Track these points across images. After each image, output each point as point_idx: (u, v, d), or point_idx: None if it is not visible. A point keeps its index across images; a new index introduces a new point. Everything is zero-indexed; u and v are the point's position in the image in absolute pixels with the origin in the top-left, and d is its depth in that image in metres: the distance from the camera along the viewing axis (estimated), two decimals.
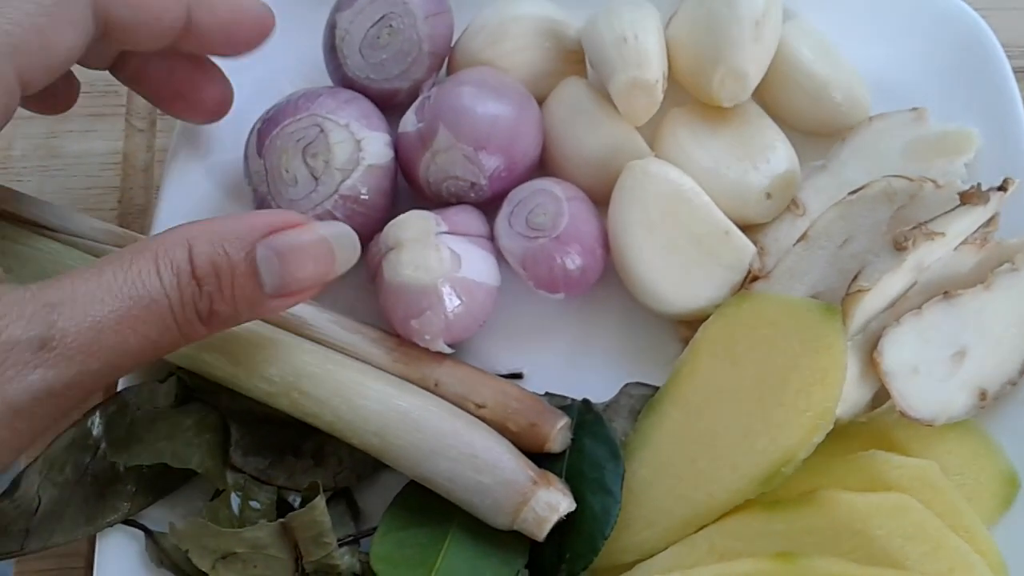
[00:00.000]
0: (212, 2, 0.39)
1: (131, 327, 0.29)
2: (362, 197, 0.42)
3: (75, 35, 0.34)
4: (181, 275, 0.30)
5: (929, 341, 0.40)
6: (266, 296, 0.32)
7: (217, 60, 0.44)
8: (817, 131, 0.46)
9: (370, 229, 0.42)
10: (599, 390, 0.43)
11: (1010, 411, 0.42)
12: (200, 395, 0.41)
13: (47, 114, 0.43)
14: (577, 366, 0.44)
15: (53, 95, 0.41)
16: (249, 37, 0.41)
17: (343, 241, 0.34)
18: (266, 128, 0.42)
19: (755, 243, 0.44)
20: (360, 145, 0.42)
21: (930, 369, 0.40)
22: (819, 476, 0.40)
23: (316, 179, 0.41)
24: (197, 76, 0.43)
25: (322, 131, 0.41)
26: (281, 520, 0.38)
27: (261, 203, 0.43)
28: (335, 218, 0.41)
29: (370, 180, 0.42)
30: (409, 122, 0.43)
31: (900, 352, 0.40)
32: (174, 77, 0.42)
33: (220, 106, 0.44)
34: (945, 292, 0.40)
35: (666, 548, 0.39)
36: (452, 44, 0.46)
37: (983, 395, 0.41)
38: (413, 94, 0.44)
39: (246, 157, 0.43)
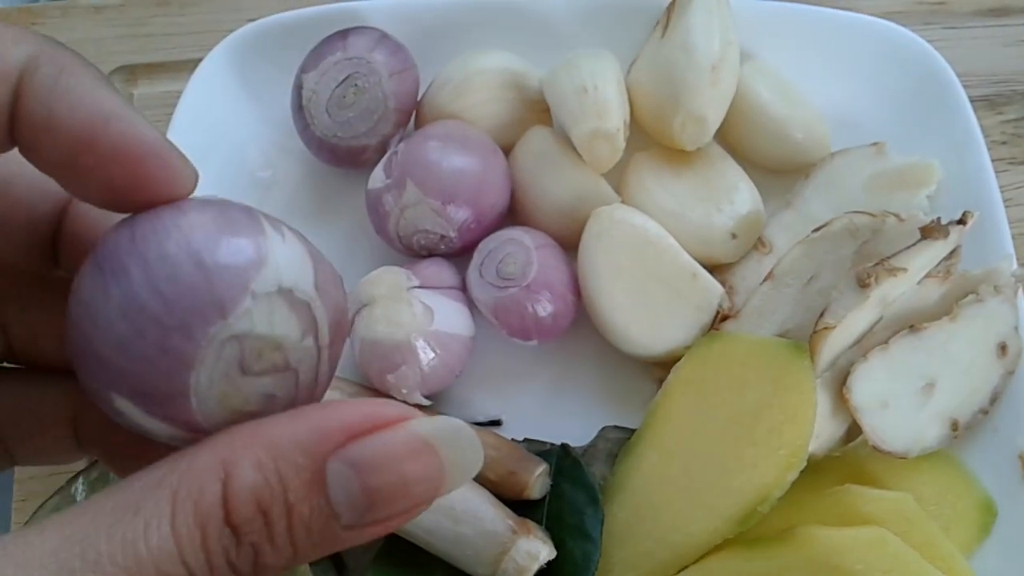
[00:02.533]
0: (54, 124, 0.21)
1: None
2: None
3: None
4: (209, 526, 0.20)
5: (897, 375, 0.41)
6: (342, 532, 0.21)
7: (180, 124, 0.44)
8: (780, 169, 0.47)
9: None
10: (577, 433, 0.43)
11: (983, 440, 0.42)
12: None
13: None
14: (554, 411, 0.44)
15: None
16: (129, 188, 0.24)
17: (456, 444, 0.22)
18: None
19: (724, 282, 0.44)
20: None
21: (900, 402, 0.41)
22: (796, 512, 0.40)
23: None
24: None
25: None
26: None
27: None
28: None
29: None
30: (378, 178, 0.44)
31: (869, 387, 0.40)
32: None
33: None
34: (911, 326, 0.41)
35: None
36: (418, 98, 0.47)
37: (955, 425, 0.41)
38: (381, 150, 0.45)
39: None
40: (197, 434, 0.20)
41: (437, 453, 0.22)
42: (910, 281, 0.40)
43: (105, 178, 0.21)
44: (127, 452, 0.26)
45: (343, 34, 0.45)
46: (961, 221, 0.40)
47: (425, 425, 0.22)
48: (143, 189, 0.21)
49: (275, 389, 0.21)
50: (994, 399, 0.42)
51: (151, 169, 0.21)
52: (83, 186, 0.22)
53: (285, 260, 0.21)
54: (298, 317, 0.21)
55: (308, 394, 0.22)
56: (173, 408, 0.20)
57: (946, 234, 0.39)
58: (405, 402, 0.41)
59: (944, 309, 0.42)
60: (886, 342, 0.40)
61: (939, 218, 0.40)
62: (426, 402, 0.42)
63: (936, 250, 0.40)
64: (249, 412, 0.21)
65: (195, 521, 0.19)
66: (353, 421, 0.21)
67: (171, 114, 0.47)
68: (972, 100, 0.48)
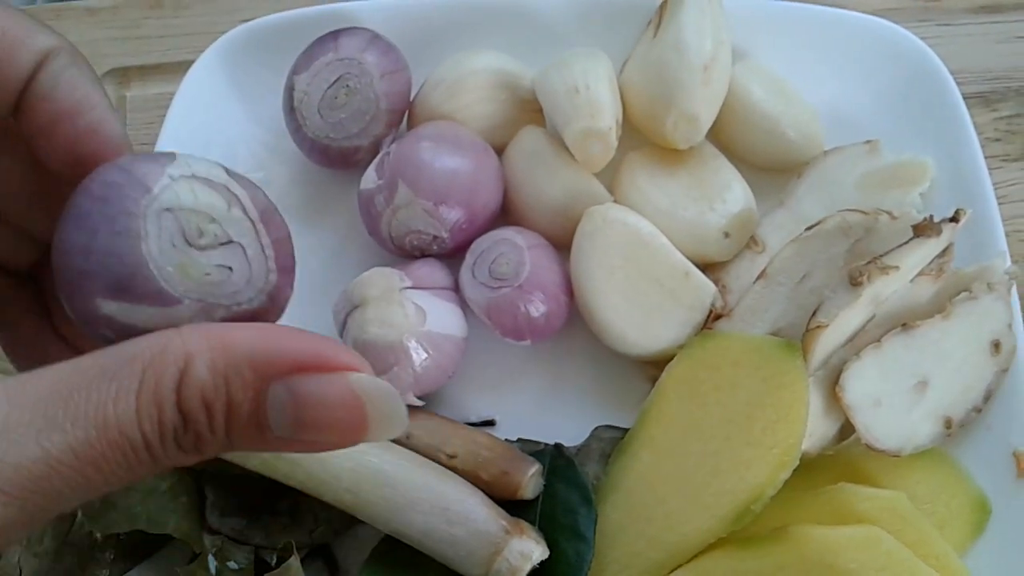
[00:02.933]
0: (54, 96, 0.28)
1: (92, 463, 0.23)
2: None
3: None
4: (164, 406, 0.24)
5: (890, 373, 0.41)
6: (272, 439, 0.25)
7: (172, 126, 0.44)
8: (773, 167, 0.47)
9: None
10: (571, 433, 0.43)
11: (977, 437, 0.42)
12: None
13: None
14: (548, 410, 0.44)
15: None
16: (83, 158, 0.29)
17: (383, 405, 0.26)
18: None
19: (717, 281, 0.44)
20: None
21: (892, 400, 0.41)
22: (789, 511, 0.40)
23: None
24: None
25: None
26: None
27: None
28: None
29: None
30: (370, 179, 0.44)
31: (862, 385, 0.40)
32: None
33: None
34: (904, 324, 0.41)
35: None
36: (411, 99, 0.47)
37: (948, 423, 0.41)
38: (373, 151, 0.45)
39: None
40: (179, 315, 0.25)
41: (364, 409, 0.25)
42: (903, 279, 0.40)
43: (72, 150, 0.28)
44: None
45: (334, 35, 0.45)
46: (954, 219, 0.40)
47: (362, 382, 0.25)
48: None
49: (227, 261, 0.25)
50: (988, 397, 0.42)
51: (109, 155, 0.28)
52: (52, 149, 0.28)
53: (196, 161, 0.26)
54: (218, 193, 0.25)
55: (263, 280, 0.26)
56: (142, 285, 0.24)
57: (939, 232, 0.39)
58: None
59: (937, 307, 0.41)
60: (879, 340, 0.40)
61: (931, 216, 0.40)
62: (419, 403, 0.42)
63: (929, 248, 0.40)
64: (215, 282, 0.25)
65: (154, 399, 0.23)
66: (304, 357, 0.24)
67: (164, 116, 0.47)
68: (966, 97, 0.48)
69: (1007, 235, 0.47)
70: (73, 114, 0.28)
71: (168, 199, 0.24)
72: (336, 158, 0.45)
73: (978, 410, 0.42)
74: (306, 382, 0.25)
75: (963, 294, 0.42)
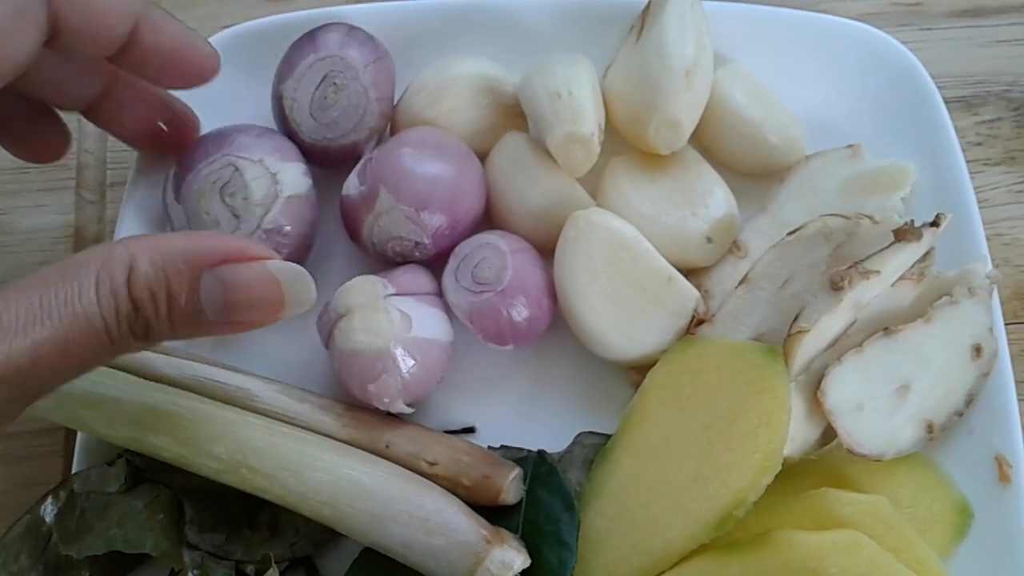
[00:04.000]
0: (161, 26, 0.39)
1: (67, 349, 0.29)
2: (286, 229, 0.43)
3: (34, 35, 0.35)
4: (119, 296, 0.30)
5: (872, 377, 0.41)
6: (207, 322, 0.32)
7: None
8: (756, 172, 0.47)
9: (297, 259, 0.43)
10: (554, 439, 0.43)
11: (959, 441, 0.42)
12: (151, 475, 0.41)
13: (38, 161, 0.45)
14: (531, 416, 0.44)
15: (37, 134, 0.43)
16: (188, 72, 0.42)
17: (295, 284, 0.33)
18: (180, 174, 0.43)
19: (699, 286, 0.44)
20: (276, 178, 0.43)
21: (875, 405, 0.41)
22: (772, 516, 0.40)
23: (237, 217, 0.42)
24: (39, 120, 0.43)
25: (237, 170, 0.42)
26: None
27: None
28: None
29: (291, 211, 0.43)
30: (352, 185, 0.43)
31: (843, 390, 0.40)
32: (15, 116, 0.43)
33: (51, 151, 0.44)
34: (885, 328, 0.41)
35: None
36: (395, 96, 0.46)
37: (930, 427, 0.41)
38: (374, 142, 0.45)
39: (165, 204, 0.44)
40: None
41: (280, 286, 0.33)
42: (884, 284, 0.40)
43: (178, 64, 0.41)
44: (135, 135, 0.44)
45: (310, 36, 0.45)
46: (934, 223, 0.40)
47: (277, 266, 0.33)
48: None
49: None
50: (969, 401, 0.42)
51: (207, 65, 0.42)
52: (165, 66, 0.41)
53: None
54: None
55: None
56: None
57: (919, 236, 0.39)
58: (388, 412, 0.41)
59: (919, 311, 0.42)
60: (861, 345, 0.40)
61: (912, 221, 0.40)
62: (409, 410, 0.42)
63: (909, 252, 0.40)
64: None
65: (110, 292, 0.30)
66: (227, 251, 0.32)
67: None
68: (947, 101, 0.48)
69: (989, 239, 0.47)
70: (179, 41, 0.40)
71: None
72: (338, 157, 0.45)
73: (960, 414, 0.42)
74: (231, 270, 0.32)
75: (944, 298, 0.42)
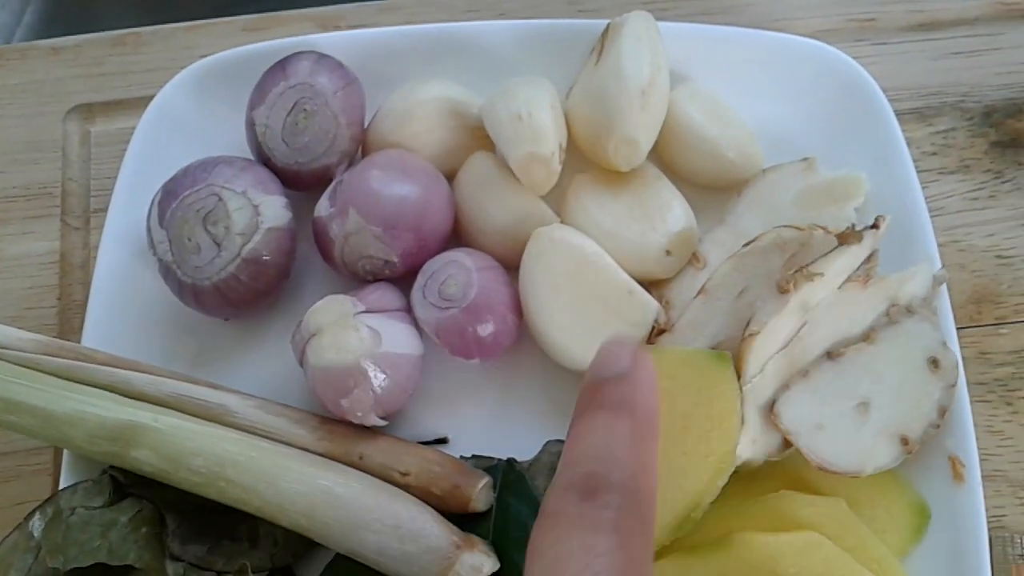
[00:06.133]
0: None
1: None
2: (264, 258, 0.44)
3: None
4: None
5: (825, 399, 0.41)
6: None
7: (133, 158, 0.46)
8: (714, 186, 0.48)
9: (273, 288, 0.45)
10: (524, 448, 0.44)
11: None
12: (134, 490, 0.42)
13: None
14: (501, 426, 0.46)
15: None
16: None
17: None
18: (166, 200, 0.45)
19: (660, 297, 0.46)
20: (258, 210, 0.44)
21: (835, 423, 0.41)
22: (733, 519, 0.41)
23: (218, 245, 0.43)
24: None
25: (220, 199, 0.44)
26: None
27: (166, 272, 0.45)
28: (239, 280, 0.44)
29: (271, 242, 0.44)
30: (323, 207, 0.45)
31: (797, 412, 0.41)
32: None
33: None
34: (828, 353, 0.42)
35: None
36: (364, 120, 0.48)
37: (904, 440, 0.41)
38: (345, 165, 0.47)
39: (148, 228, 0.45)
40: None
41: None
42: (829, 285, 0.42)
43: None
44: None
45: (281, 65, 0.46)
46: (874, 226, 0.42)
47: None
48: None
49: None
50: (942, 412, 0.42)
51: None
52: None
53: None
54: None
55: None
56: None
57: (860, 239, 0.41)
58: (362, 425, 0.43)
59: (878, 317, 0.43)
60: (806, 373, 0.42)
61: (853, 225, 0.41)
62: (382, 423, 0.43)
63: (852, 255, 0.41)
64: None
65: None
66: None
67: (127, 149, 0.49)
68: (902, 113, 0.50)
69: (945, 245, 0.49)
70: None
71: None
72: (310, 180, 0.47)
73: (936, 426, 0.42)
74: None
75: (883, 319, 0.43)
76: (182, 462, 0.40)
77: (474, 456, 0.44)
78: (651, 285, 0.46)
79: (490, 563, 0.40)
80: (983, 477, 0.42)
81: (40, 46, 0.57)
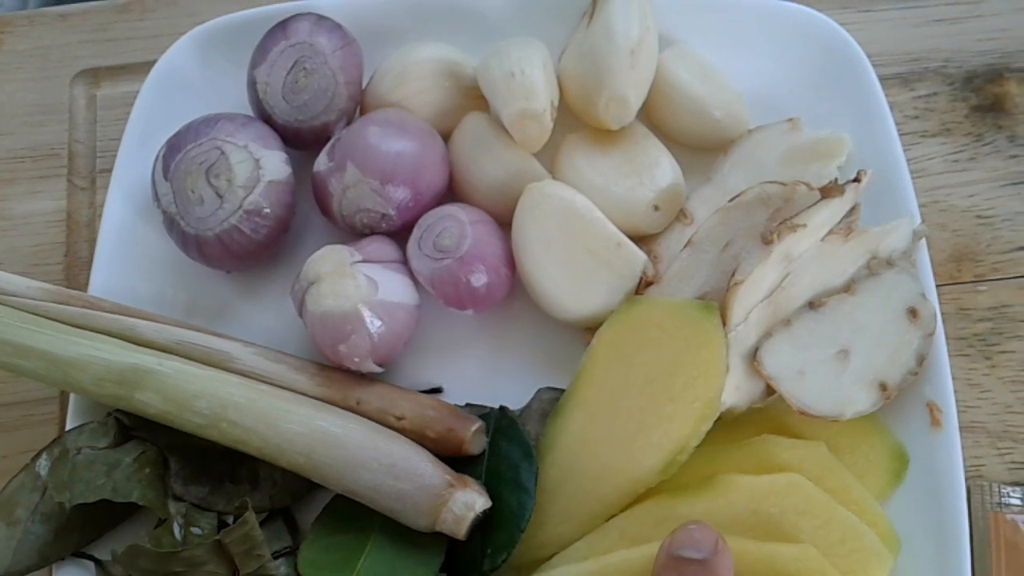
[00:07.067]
0: None
1: None
2: (265, 211, 0.46)
3: None
4: None
5: (807, 347, 0.43)
6: None
7: (138, 120, 0.48)
8: (702, 146, 0.50)
9: (274, 240, 0.47)
10: (516, 397, 0.46)
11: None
12: (138, 433, 0.44)
13: None
14: (494, 377, 0.47)
15: None
16: None
17: None
18: (170, 154, 0.46)
19: (649, 252, 0.47)
20: (259, 163, 0.46)
21: (816, 369, 0.43)
22: (717, 463, 0.43)
23: (221, 197, 0.45)
24: None
25: (223, 153, 0.45)
26: (216, 538, 0.41)
27: (170, 223, 0.46)
28: (241, 232, 0.45)
29: (271, 195, 0.46)
30: (322, 162, 0.47)
31: (779, 359, 0.43)
32: None
33: None
34: (810, 303, 0.43)
35: (581, 539, 0.42)
36: (362, 80, 0.49)
37: (884, 387, 0.43)
38: (344, 124, 0.48)
39: (153, 182, 0.47)
40: None
41: None
42: (811, 236, 0.43)
43: None
44: None
45: (282, 25, 0.48)
46: (856, 179, 0.43)
47: None
48: None
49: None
50: (921, 360, 0.44)
51: None
52: None
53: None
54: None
55: None
56: None
57: (842, 192, 0.42)
58: (358, 371, 0.44)
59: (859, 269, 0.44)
60: (788, 320, 0.43)
61: (836, 179, 0.43)
62: (378, 369, 0.44)
63: (834, 207, 0.43)
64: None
65: None
66: None
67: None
68: (886, 78, 0.51)
69: (927, 206, 0.51)
70: None
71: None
72: (310, 138, 0.48)
73: (914, 373, 0.43)
74: None
75: (863, 272, 0.44)
76: (185, 404, 0.42)
77: (468, 404, 0.46)
78: (640, 240, 0.47)
79: (482, 501, 0.41)
80: (962, 428, 0.43)
81: (48, 13, 0.58)
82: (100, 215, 0.51)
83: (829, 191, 0.42)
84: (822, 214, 0.42)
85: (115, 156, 0.50)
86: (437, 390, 0.47)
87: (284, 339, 0.47)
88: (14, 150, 0.54)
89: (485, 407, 0.46)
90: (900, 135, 0.48)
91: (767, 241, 0.42)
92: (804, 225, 0.42)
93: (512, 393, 0.46)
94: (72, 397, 0.45)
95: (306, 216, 0.50)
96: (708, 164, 0.49)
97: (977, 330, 0.49)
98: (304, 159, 0.49)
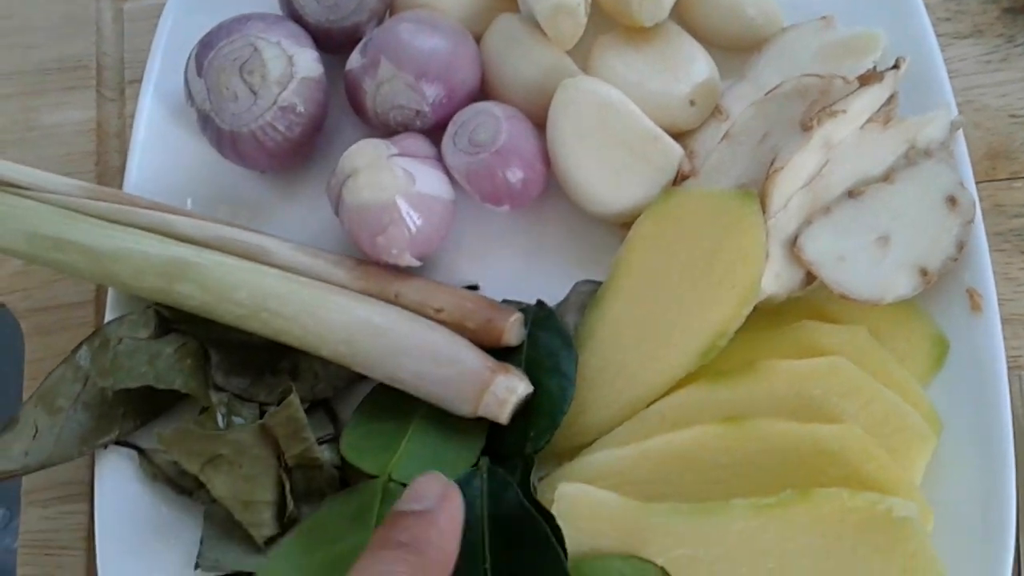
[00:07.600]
0: None
1: None
2: (299, 109, 0.46)
3: None
4: None
5: (846, 233, 0.43)
6: None
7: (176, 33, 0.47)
8: (735, 46, 0.50)
9: (308, 139, 0.47)
10: (552, 294, 0.45)
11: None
12: (178, 325, 0.44)
13: None
14: (531, 274, 0.47)
15: None
16: None
17: None
18: (203, 51, 0.46)
19: (686, 147, 0.47)
20: (292, 60, 0.45)
21: (856, 255, 0.42)
22: (758, 349, 0.42)
23: (255, 94, 0.45)
24: None
25: (256, 49, 0.45)
26: (261, 421, 0.41)
27: (204, 121, 0.46)
28: (275, 129, 0.45)
29: (304, 92, 0.46)
30: (355, 60, 0.46)
31: (819, 245, 0.42)
32: None
33: None
34: (849, 192, 0.43)
35: (621, 424, 0.42)
36: None
37: (924, 271, 0.43)
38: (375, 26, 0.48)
39: (186, 80, 0.47)
40: None
41: None
42: (851, 123, 0.43)
43: None
44: None
45: None
46: (895, 66, 0.43)
47: None
48: None
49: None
50: (961, 246, 0.43)
51: None
52: None
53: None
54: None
55: None
56: None
57: (880, 78, 0.42)
58: (396, 264, 0.44)
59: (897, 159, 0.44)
60: (828, 208, 0.43)
61: (875, 66, 0.43)
62: (416, 263, 0.44)
63: (873, 94, 0.43)
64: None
65: None
66: None
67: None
68: None
69: (961, 104, 0.50)
70: None
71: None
72: (340, 39, 0.48)
73: (954, 259, 0.43)
74: None
75: (901, 161, 0.44)
76: (226, 295, 0.42)
77: (505, 301, 0.46)
78: (676, 137, 0.47)
79: (523, 385, 0.41)
80: (1001, 320, 0.43)
81: None
82: (130, 125, 0.51)
83: (868, 78, 0.42)
84: (861, 100, 0.42)
85: (143, 68, 0.50)
86: (473, 287, 0.47)
87: (320, 240, 0.47)
88: (42, 62, 0.54)
89: (522, 303, 0.45)
90: None
91: (807, 127, 0.41)
92: (844, 111, 0.41)
93: (548, 290, 0.46)
94: (110, 293, 0.45)
95: (338, 121, 0.50)
96: (741, 64, 0.49)
97: (1013, 225, 0.49)
98: (335, 64, 0.49)
